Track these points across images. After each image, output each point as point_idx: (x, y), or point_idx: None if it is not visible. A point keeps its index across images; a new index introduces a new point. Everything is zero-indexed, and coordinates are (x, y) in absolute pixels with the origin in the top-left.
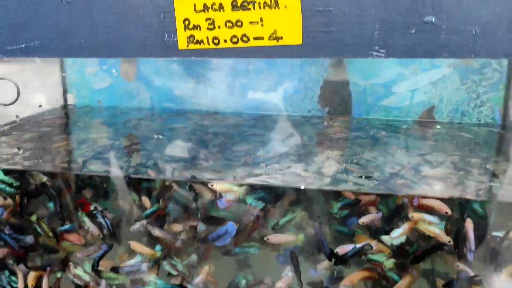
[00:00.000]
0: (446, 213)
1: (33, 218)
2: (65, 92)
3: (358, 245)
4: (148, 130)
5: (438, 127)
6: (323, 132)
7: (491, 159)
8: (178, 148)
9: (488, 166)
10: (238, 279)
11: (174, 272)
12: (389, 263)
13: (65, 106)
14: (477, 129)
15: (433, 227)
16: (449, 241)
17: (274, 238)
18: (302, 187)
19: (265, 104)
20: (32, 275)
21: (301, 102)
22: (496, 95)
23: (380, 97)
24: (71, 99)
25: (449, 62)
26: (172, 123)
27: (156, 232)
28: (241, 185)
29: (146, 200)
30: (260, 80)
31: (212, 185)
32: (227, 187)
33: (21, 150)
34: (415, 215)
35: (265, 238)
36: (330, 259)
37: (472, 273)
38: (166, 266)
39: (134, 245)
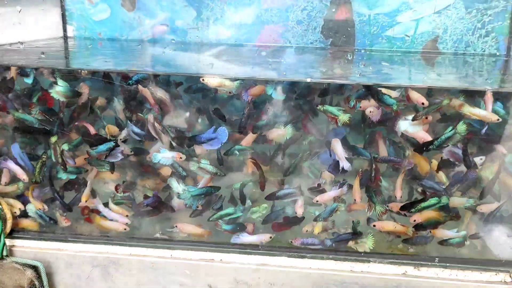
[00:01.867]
0: (423, 103)
1: None
2: (64, 24)
3: None
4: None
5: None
6: (328, 57)
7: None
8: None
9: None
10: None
11: (205, 175)
12: None
13: (65, 38)
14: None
15: (477, 110)
16: (498, 119)
17: (269, 133)
18: (308, 80)
19: (266, 35)
20: None
21: (303, 33)
22: (501, 25)
23: (384, 27)
24: (70, 32)
25: None
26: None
27: None
28: (234, 80)
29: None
30: (261, 11)
31: (203, 80)
32: (219, 82)
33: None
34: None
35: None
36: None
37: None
38: (196, 169)
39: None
